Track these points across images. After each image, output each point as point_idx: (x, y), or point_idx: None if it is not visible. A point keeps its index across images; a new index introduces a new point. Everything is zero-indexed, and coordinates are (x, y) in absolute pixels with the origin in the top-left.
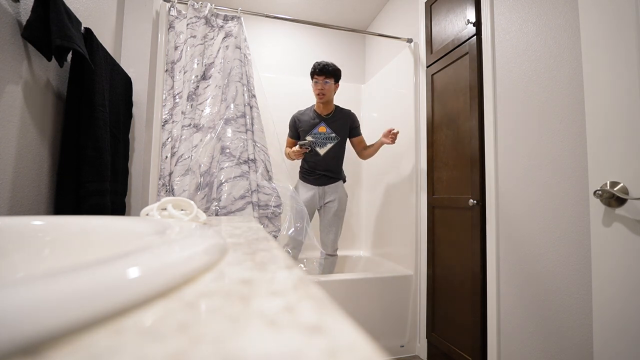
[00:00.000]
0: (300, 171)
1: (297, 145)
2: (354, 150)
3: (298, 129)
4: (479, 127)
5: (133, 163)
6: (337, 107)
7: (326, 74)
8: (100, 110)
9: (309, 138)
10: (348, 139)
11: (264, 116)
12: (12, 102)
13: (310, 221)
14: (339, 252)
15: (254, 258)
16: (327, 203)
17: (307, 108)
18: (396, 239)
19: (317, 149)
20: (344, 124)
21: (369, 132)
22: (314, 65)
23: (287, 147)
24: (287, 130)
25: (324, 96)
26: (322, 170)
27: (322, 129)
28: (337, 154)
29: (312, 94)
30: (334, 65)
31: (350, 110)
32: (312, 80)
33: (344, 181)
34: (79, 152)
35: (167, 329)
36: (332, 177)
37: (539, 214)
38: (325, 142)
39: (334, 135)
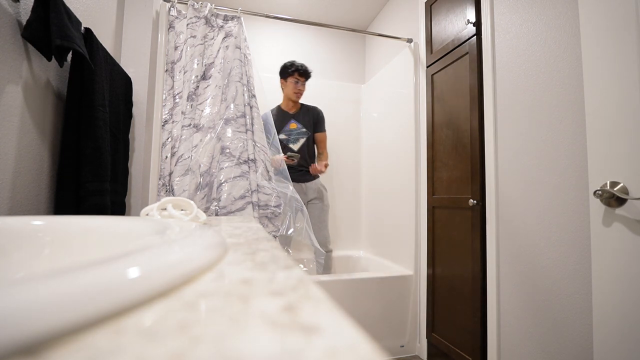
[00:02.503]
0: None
1: (282, 154)
2: (352, 152)
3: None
4: (479, 127)
5: (133, 163)
6: (302, 104)
7: (306, 76)
8: (100, 110)
9: (282, 136)
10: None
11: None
12: (12, 102)
13: None
14: (337, 252)
15: (254, 258)
16: (311, 201)
17: (271, 110)
18: (396, 239)
19: (291, 145)
20: (310, 119)
21: (369, 132)
22: (294, 66)
23: None
24: None
25: (301, 96)
26: (300, 166)
27: (293, 125)
28: (309, 148)
29: (311, 94)
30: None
31: (316, 107)
32: (287, 78)
33: (318, 175)
34: (79, 152)
35: (167, 329)
36: (310, 173)
37: (539, 214)
38: (298, 138)
39: (304, 130)
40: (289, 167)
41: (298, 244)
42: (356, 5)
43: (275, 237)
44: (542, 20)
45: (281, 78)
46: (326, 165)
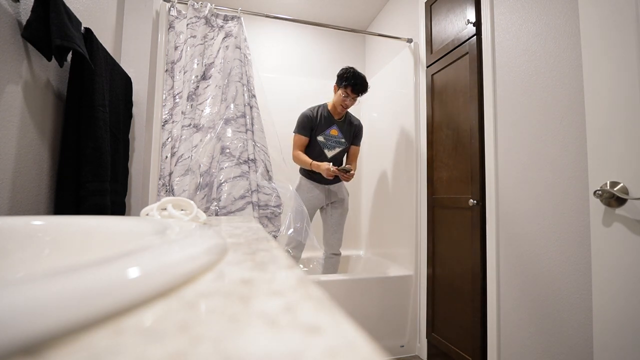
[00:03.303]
0: (304, 168)
1: (331, 165)
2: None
3: (312, 128)
4: (479, 127)
5: (133, 163)
6: (347, 112)
7: (358, 93)
8: (100, 110)
9: (320, 139)
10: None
11: (264, 116)
12: (12, 102)
13: (312, 219)
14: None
15: (254, 258)
16: (332, 203)
17: (319, 107)
18: (396, 239)
19: (326, 151)
20: (350, 131)
21: (369, 132)
22: (349, 79)
23: (298, 149)
24: (287, 130)
25: (346, 109)
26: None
27: (334, 132)
28: (341, 158)
29: (312, 94)
30: (368, 85)
31: (359, 121)
32: (340, 86)
33: None
34: (79, 152)
35: (167, 329)
36: (337, 176)
37: (539, 214)
38: (335, 146)
39: (343, 140)
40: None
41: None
42: (356, 5)
43: (275, 237)
44: (542, 20)
45: (336, 82)
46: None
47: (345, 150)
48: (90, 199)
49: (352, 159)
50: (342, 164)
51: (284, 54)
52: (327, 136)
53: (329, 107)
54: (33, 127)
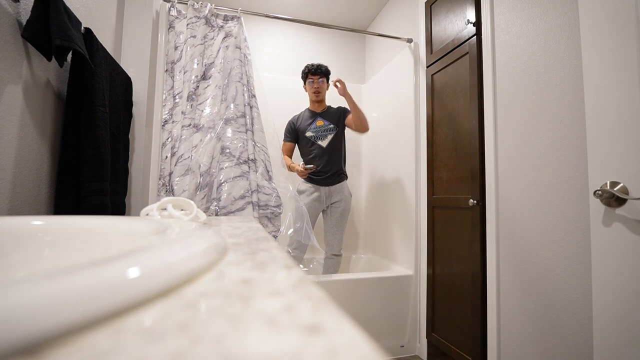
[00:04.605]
0: None
1: (300, 165)
2: (352, 152)
3: (297, 131)
4: (479, 127)
5: (133, 163)
6: (329, 105)
7: (320, 74)
8: (100, 110)
9: (309, 134)
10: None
11: (264, 116)
12: (12, 102)
13: (315, 222)
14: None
15: (254, 258)
16: (333, 203)
17: (301, 112)
18: (396, 239)
19: (319, 142)
20: (337, 115)
21: (369, 132)
22: (307, 67)
23: (285, 154)
24: None
25: (319, 94)
26: (327, 168)
27: (320, 122)
28: (338, 145)
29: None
30: (326, 66)
31: (341, 106)
32: (305, 81)
33: (346, 178)
34: (79, 152)
35: (167, 329)
36: (338, 176)
37: (539, 214)
38: (326, 134)
39: (332, 126)
40: (316, 172)
41: (309, 246)
42: (356, 5)
43: (275, 237)
44: (542, 20)
45: (303, 85)
46: (341, 83)
47: (340, 135)
48: (90, 199)
49: (355, 118)
50: (343, 150)
51: (284, 54)
52: (315, 128)
53: (309, 106)
54: (33, 127)
